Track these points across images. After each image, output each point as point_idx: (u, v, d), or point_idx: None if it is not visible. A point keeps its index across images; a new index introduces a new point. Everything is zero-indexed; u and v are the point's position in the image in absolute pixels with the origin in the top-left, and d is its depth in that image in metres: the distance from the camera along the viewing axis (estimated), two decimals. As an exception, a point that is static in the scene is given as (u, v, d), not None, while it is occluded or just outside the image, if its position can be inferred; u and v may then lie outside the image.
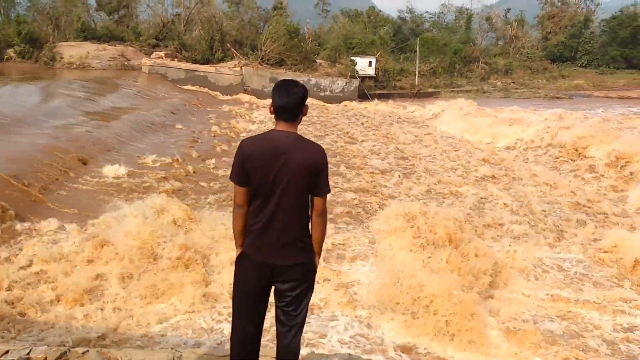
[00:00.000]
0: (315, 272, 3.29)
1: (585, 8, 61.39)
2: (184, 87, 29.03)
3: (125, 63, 33.06)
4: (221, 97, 28.87)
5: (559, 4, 61.81)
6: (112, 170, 9.93)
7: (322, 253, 3.38)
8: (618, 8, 57.10)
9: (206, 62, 34.06)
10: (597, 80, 47.08)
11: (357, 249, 7.13)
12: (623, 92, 41.78)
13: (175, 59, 32.95)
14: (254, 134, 3.32)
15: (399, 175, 11.76)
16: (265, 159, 3.04)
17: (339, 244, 7.27)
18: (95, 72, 29.90)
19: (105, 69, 31.93)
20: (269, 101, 3.21)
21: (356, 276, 6.35)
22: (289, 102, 3.12)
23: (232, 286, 3.35)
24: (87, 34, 36.15)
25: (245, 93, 30.56)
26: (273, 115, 3.17)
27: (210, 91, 29.49)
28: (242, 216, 3.19)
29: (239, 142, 3.20)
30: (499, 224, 8.59)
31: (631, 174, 11.19)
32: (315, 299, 4.88)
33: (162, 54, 32.69)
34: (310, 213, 3.19)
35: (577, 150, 13.08)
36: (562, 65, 52.31)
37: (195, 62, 33.51)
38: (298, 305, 3.25)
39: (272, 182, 3.05)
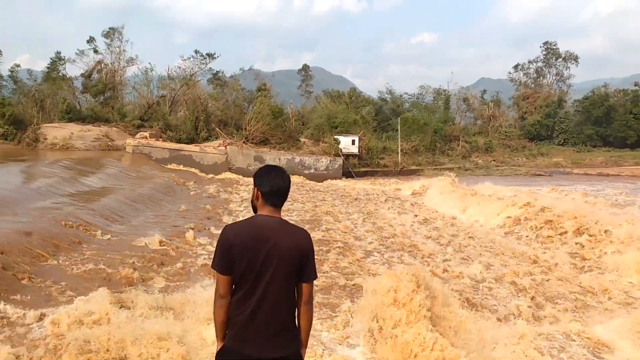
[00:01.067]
0: None
1: (558, 89, 64.27)
2: (169, 167, 28.95)
3: (110, 143, 33.09)
4: (206, 176, 28.75)
5: (533, 85, 64.68)
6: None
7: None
8: (589, 89, 59.80)
9: (191, 141, 34.29)
10: (575, 157, 48.36)
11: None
12: (601, 169, 42.66)
13: (160, 139, 33.09)
14: (239, 219, 3.11)
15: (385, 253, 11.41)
16: (252, 245, 2.93)
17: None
18: (79, 153, 29.75)
19: (89, 149, 31.86)
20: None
21: None
22: (283, 187, 3.09)
23: None
24: (72, 116, 36.40)
25: (230, 172, 30.55)
26: (257, 201, 3.10)
27: (194, 170, 29.42)
28: (225, 307, 3.00)
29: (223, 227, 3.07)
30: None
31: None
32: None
33: (146, 134, 32.85)
34: (297, 301, 3.06)
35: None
36: (540, 143, 53.89)
37: (179, 141, 33.71)
38: None
39: (260, 269, 2.92)
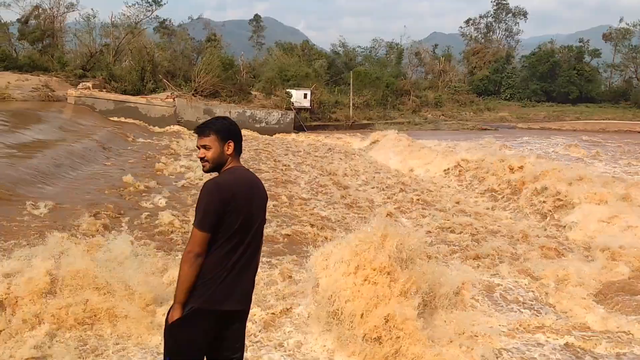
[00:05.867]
0: None
1: (506, 45, 65.27)
2: (113, 119, 27.95)
3: (50, 94, 31.48)
4: (153, 129, 27.99)
5: (483, 40, 65.38)
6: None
7: None
8: (536, 45, 60.94)
9: (137, 93, 33.11)
10: (520, 112, 49.67)
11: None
12: (544, 124, 44.18)
13: (104, 90, 31.80)
14: (216, 175, 2.98)
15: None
16: (246, 198, 2.91)
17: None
18: (17, 104, 28.30)
19: (28, 100, 30.28)
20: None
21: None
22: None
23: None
24: (8, 64, 34.36)
25: (179, 125, 29.83)
26: (229, 154, 2.98)
27: (141, 123, 28.53)
28: (200, 267, 2.81)
29: (202, 184, 2.94)
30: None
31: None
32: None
33: (89, 84, 31.44)
34: None
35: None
36: (487, 98, 54.91)
37: (125, 93, 32.49)
38: (242, 354, 3.15)
39: (251, 220, 2.93)
